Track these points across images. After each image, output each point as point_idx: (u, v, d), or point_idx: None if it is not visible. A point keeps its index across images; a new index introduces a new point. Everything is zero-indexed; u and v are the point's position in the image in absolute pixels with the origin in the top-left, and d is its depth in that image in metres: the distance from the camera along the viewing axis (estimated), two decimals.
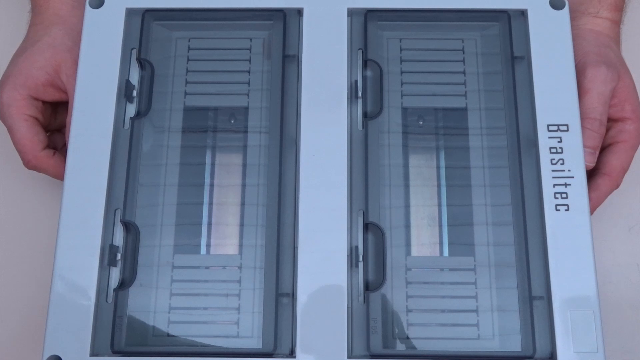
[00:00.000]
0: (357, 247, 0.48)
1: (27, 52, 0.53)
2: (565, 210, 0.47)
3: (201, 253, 0.50)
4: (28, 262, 0.54)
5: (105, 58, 0.51)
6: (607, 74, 0.51)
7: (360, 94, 0.51)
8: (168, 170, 0.51)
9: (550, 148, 0.49)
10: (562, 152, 0.48)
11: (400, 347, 0.47)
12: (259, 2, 0.53)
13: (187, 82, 0.53)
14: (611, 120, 0.52)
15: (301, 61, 0.51)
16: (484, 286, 0.48)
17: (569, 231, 0.47)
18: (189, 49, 0.54)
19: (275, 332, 0.46)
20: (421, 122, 0.53)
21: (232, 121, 0.53)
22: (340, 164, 0.49)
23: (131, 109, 0.52)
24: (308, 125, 0.50)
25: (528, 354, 0.46)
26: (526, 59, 0.51)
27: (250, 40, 0.54)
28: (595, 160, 0.51)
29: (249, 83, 0.53)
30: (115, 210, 0.49)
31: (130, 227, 0.49)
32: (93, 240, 0.47)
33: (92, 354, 0.45)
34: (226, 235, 0.50)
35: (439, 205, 0.51)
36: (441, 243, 0.50)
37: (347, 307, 0.46)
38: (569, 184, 0.48)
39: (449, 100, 0.53)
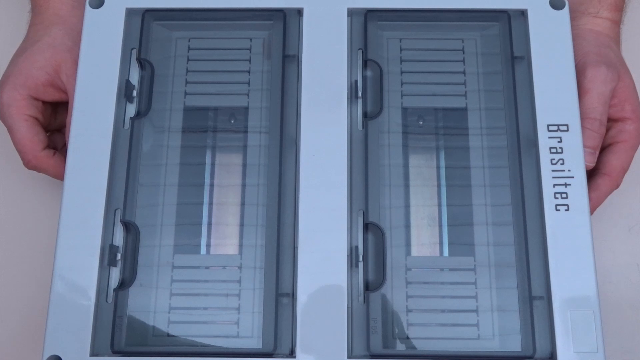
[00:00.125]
0: (357, 247, 0.48)
1: (27, 52, 0.53)
2: (565, 210, 0.47)
3: (201, 253, 0.50)
4: (28, 262, 0.54)
5: (105, 58, 0.51)
6: (607, 74, 0.51)
7: (360, 94, 0.51)
8: (168, 170, 0.51)
9: (550, 148, 0.49)
10: (562, 152, 0.48)
11: (400, 347, 0.47)
12: (259, 2, 0.53)
13: (187, 82, 0.53)
14: (611, 120, 0.52)
15: (301, 61, 0.51)
16: (484, 286, 0.48)
17: (569, 231, 0.47)
18: (189, 49, 0.54)
19: (275, 332, 0.46)
20: (421, 122, 0.53)
21: (232, 121, 0.53)
22: (340, 164, 0.49)
23: (131, 109, 0.52)
24: (308, 125, 0.50)
25: (528, 354, 0.45)
26: (526, 59, 0.51)
27: (250, 40, 0.54)
28: (595, 160, 0.51)
29: (249, 83, 0.53)
30: (115, 210, 0.49)
31: (130, 227, 0.49)
32: (93, 240, 0.47)
33: (92, 354, 0.45)
34: (226, 235, 0.50)
35: (439, 205, 0.51)
36: (441, 243, 0.50)
37: (347, 307, 0.46)
38: (569, 184, 0.48)
39: (449, 100, 0.53)
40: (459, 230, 0.50)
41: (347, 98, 0.50)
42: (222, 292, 0.48)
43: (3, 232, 0.55)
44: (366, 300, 0.47)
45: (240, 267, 0.49)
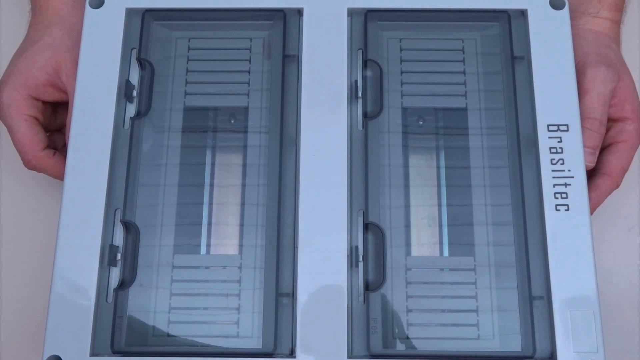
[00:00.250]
0: (357, 247, 0.48)
1: (27, 52, 0.53)
2: (565, 210, 0.47)
3: (201, 253, 0.50)
4: (28, 262, 0.54)
5: (105, 58, 0.51)
6: (607, 74, 0.51)
7: (360, 94, 0.51)
8: (168, 170, 0.51)
9: (550, 148, 0.49)
10: (562, 152, 0.48)
11: (400, 347, 0.47)
12: (259, 2, 0.53)
13: (187, 82, 0.53)
14: (611, 120, 0.52)
15: (301, 61, 0.51)
16: (484, 286, 0.48)
17: (569, 231, 0.47)
18: (189, 49, 0.54)
19: (275, 332, 0.46)
20: (421, 122, 0.53)
21: (232, 121, 0.53)
22: (340, 164, 0.49)
23: (131, 109, 0.52)
24: (308, 125, 0.50)
25: (528, 354, 0.45)
26: (526, 59, 0.51)
27: (250, 40, 0.54)
28: (595, 160, 0.51)
29: (249, 83, 0.53)
30: (115, 210, 0.49)
31: (130, 227, 0.49)
32: (93, 240, 0.47)
33: (92, 354, 0.45)
34: (226, 235, 0.50)
35: (439, 205, 0.51)
36: (441, 243, 0.50)
37: (347, 307, 0.46)
38: (569, 184, 0.48)
39: (449, 100, 0.53)
40: (459, 230, 0.50)
41: (347, 98, 0.50)
42: (222, 292, 0.48)
43: (3, 232, 0.55)
44: (366, 300, 0.47)
45: (240, 267, 0.49)
